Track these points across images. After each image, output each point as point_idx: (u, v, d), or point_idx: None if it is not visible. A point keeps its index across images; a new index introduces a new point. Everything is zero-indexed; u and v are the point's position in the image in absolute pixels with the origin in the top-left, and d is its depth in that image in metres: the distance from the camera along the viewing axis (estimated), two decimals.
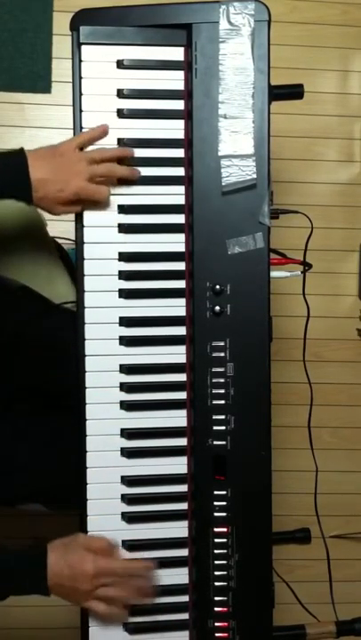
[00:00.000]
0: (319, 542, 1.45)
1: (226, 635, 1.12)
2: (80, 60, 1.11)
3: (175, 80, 1.13)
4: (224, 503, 1.12)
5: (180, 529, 1.14)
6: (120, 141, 1.11)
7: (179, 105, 1.13)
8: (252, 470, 1.12)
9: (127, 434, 1.12)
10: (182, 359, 1.13)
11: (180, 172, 1.13)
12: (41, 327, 1.25)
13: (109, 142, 1.11)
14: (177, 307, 1.13)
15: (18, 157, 1.07)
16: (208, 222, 1.11)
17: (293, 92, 1.20)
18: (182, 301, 1.13)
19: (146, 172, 1.12)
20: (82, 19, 1.11)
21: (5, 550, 1.07)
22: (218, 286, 1.11)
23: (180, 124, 1.13)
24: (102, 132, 1.10)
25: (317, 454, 1.40)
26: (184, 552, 1.13)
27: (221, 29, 1.10)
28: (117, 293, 1.12)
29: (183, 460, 1.13)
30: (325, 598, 1.42)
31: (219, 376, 1.11)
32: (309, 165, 1.88)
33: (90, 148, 1.11)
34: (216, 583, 1.12)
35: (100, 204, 1.10)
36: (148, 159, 1.12)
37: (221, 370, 1.11)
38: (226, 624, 1.12)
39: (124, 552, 1.12)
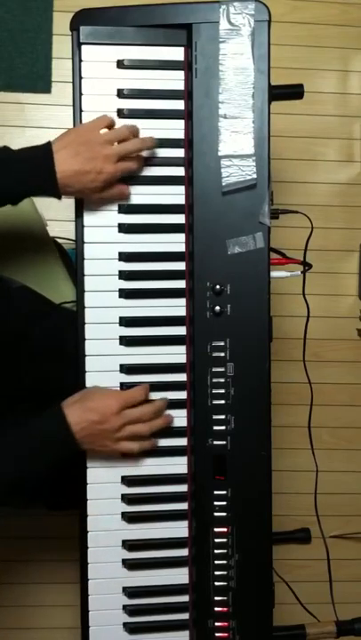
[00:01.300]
0: (319, 542, 1.45)
1: (226, 635, 1.12)
2: (80, 60, 1.11)
3: (175, 80, 1.13)
4: (224, 503, 1.12)
5: (180, 529, 1.14)
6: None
7: (179, 105, 1.13)
8: (252, 470, 1.12)
9: None
10: (182, 359, 1.13)
11: (180, 171, 1.13)
12: (41, 327, 1.25)
13: None
14: (177, 307, 1.13)
15: (44, 155, 1.05)
16: (208, 222, 1.11)
17: (293, 92, 1.20)
18: (182, 301, 1.13)
19: (146, 172, 1.12)
20: (82, 19, 1.11)
21: None
22: (218, 286, 1.11)
23: (180, 123, 1.13)
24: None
25: (317, 454, 1.40)
26: (184, 552, 1.13)
27: (221, 29, 1.10)
28: (117, 293, 1.12)
29: (183, 460, 1.13)
30: (325, 598, 1.42)
31: (219, 376, 1.11)
32: (309, 165, 1.89)
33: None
34: (216, 583, 1.12)
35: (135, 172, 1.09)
36: (148, 159, 1.12)
37: (221, 370, 1.11)
38: (226, 624, 1.12)
39: (124, 552, 1.12)
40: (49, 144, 1.07)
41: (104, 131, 1.08)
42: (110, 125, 1.09)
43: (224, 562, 1.12)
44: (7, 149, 1.08)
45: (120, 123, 1.11)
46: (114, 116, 1.11)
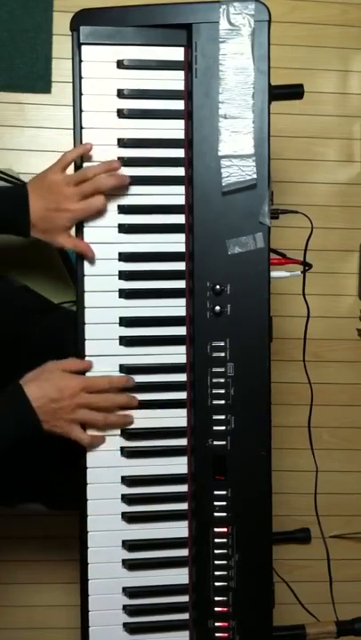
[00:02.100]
0: (319, 542, 1.45)
1: (226, 635, 1.12)
2: (80, 60, 1.11)
3: (175, 80, 1.13)
4: (224, 503, 1.12)
5: (180, 529, 1.14)
6: (120, 141, 1.11)
7: (179, 105, 1.13)
8: (252, 470, 1.12)
9: (127, 434, 1.12)
10: (182, 359, 1.13)
11: (180, 172, 1.13)
12: (41, 327, 1.25)
13: (110, 142, 1.11)
14: (177, 307, 1.13)
15: (21, 194, 1.10)
16: (208, 222, 1.11)
17: (293, 92, 1.20)
18: (182, 301, 1.13)
19: (146, 172, 1.12)
20: (82, 19, 1.11)
21: None
22: (218, 286, 1.11)
23: (180, 123, 1.13)
24: (85, 150, 1.11)
25: (317, 454, 1.40)
26: (184, 552, 1.13)
27: (221, 29, 1.10)
28: (117, 293, 1.12)
29: (183, 460, 1.13)
30: (325, 598, 1.42)
31: (219, 376, 1.11)
32: (309, 165, 1.88)
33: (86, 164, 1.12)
34: (216, 583, 1.12)
35: (102, 212, 1.11)
36: (148, 159, 1.12)
37: (221, 370, 1.11)
38: (226, 624, 1.12)
39: (124, 552, 1.12)
40: (25, 187, 1.11)
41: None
42: (69, 164, 1.11)
43: (224, 562, 1.12)
44: None
45: (120, 123, 1.11)
46: (114, 116, 1.11)
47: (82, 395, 1.08)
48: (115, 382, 1.11)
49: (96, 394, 1.09)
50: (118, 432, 1.12)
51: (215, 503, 1.12)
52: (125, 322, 1.12)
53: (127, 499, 1.12)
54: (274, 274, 1.14)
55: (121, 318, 1.12)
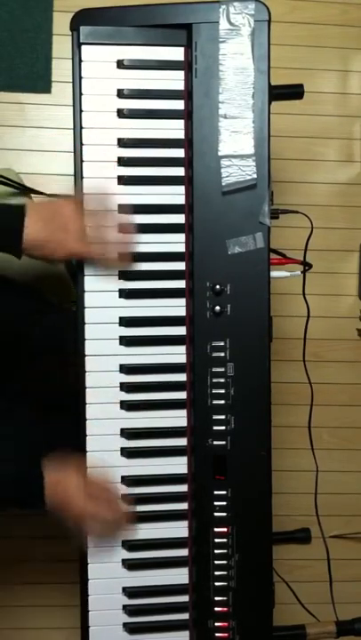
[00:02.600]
0: (319, 542, 1.45)
1: (226, 635, 1.12)
2: (80, 60, 1.11)
3: (175, 80, 1.13)
4: (224, 503, 1.12)
5: (180, 529, 1.14)
6: (120, 141, 1.11)
7: (179, 105, 1.13)
8: (252, 470, 1.12)
9: (127, 434, 1.12)
10: (182, 359, 1.13)
11: (180, 172, 1.13)
12: (41, 327, 1.25)
13: (110, 142, 1.11)
14: (177, 307, 1.13)
15: (15, 217, 1.06)
16: (208, 222, 1.11)
17: (293, 92, 1.20)
18: (182, 301, 1.13)
19: (146, 172, 1.12)
20: (82, 19, 1.11)
21: None
22: (218, 286, 1.11)
23: (180, 123, 1.13)
24: (104, 198, 1.10)
25: (317, 454, 1.40)
26: (184, 552, 1.13)
27: (221, 29, 1.10)
28: (117, 293, 1.12)
29: (183, 460, 1.13)
30: (325, 598, 1.42)
31: (219, 376, 1.11)
32: (309, 165, 1.88)
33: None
34: (216, 583, 1.12)
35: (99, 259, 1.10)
36: (148, 159, 1.12)
37: (221, 370, 1.11)
38: (226, 624, 1.12)
39: (124, 552, 1.12)
40: (23, 208, 1.07)
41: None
42: (87, 205, 1.09)
43: (224, 562, 1.12)
44: None
45: (120, 123, 1.11)
46: (114, 116, 1.11)
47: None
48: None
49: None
50: (118, 432, 1.12)
51: (215, 503, 1.12)
52: (125, 322, 1.12)
53: (127, 499, 1.12)
54: (274, 274, 1.14)
55: (121, 318, 1.12)
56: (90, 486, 1.08)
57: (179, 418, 1.13)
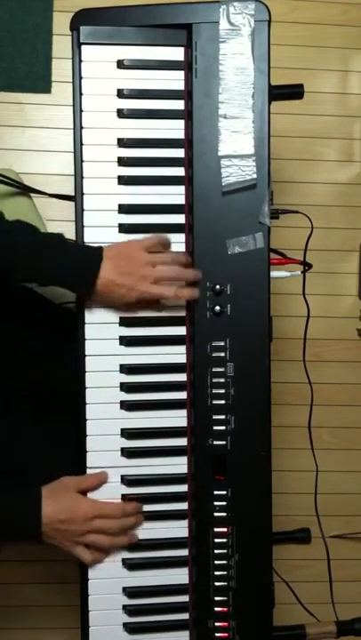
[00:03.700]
0: (319, 542, 1.45)
1: (226, 635, 1.12)
2: (80, 60, 1.11)
3: (175, 80, 1.13)
4: (224, 503, 1.12)
5: (180, 529, 1.14)
6: (120, 141, 1.11)
7: (179, 105, 1.13)
8: (252, 470, 1.12)
9: (127, 434, 1.12)
10: (182, 359, 1.13)
11: (180, 172, 1.13)
12: (41, 327, 1.25)
13: (109, 142, 1.11)
14: (177, 307, 1.13)
15: (94, 258, 1.07)
16: (208, 222, 1.11)
17: (293, 92, 1.20)
18: (182, 301, 1.13)
19: (146, 172, 1.12)
20: (82, 19, 1.11)
21: None
22: (218, 286, 1.11)
23: (180, 123, 1.13)
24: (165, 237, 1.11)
25: (317, 454, 1.40)
26: (184, 552, 1.13)
27: (221, 29, 1.10)
28: None
29: (183, 459, 1.13)
30: (325, 598, 1.42)
31: (219, 376, 1.11)
32: (309, 165, 1.88)
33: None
34: (216, 583, 1.12)
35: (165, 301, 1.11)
36: (148, 159, 1.12)
37: (221, 370, 1.11)
38: (226, 624, 1.12)
39: (124, 552, 1.12)
40: (101, 250, 1.08)
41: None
42: (154, 247, 1.10)
43: (224, 562, 1.12)
44: (62, 237, 1.10)
45: (120, 123, 1.11)
46: (114, 116, 1.11)
47: (93, 521, 1.08)
48: (127, 511, 1.10)
49: (107, 519, 1.09)
50: (118, 432, 1.12)
51: (215, 503, 1.12)
52: (125, 321, 1.12)
53: (127, 499, 1.12)
54: (274, 274, 1.14)
55: (121, 318, 1.12)
56: (90, 508, 1.08)
57: (179, 418, 1.13)
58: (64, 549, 1.09)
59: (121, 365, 1.12)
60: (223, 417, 1.11)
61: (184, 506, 1.13)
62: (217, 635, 1.12)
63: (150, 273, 1.08)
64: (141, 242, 1.10)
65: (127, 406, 1.12)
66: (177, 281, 1.10)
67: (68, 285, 1.10)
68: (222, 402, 1.11)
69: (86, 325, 1.12)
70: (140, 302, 1.09)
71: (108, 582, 1.13)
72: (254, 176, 1.10)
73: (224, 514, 1.12)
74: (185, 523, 1.13)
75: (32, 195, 1.62)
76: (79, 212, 1.12)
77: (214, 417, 1.11)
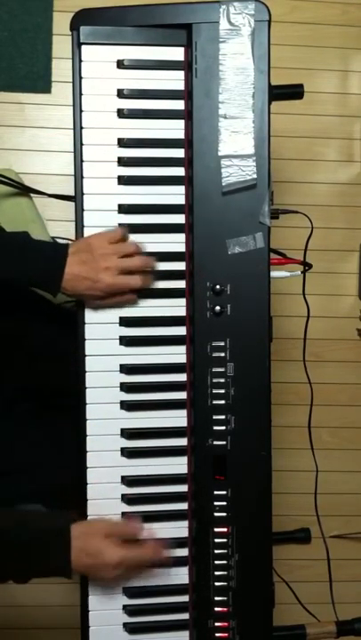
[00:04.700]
0: (319, 542, 1.45)
1: (226, 635, 1.12)
2: (80, 60, 1.11)
3: (175, 80, 1.12)
4: (224, 503, 1.12)
5: (180, 529, 1.14)
6: (120, 141, 1.11)
7: (179, 105, 1.13)
8: (252, 470, 1.12)
9: (127, 434, 1.12)
10: (182, 359, 1.13)
11: (180, 172, 1.13)
12: (41, 327, 1.25)
13: (109, 142, 1.11)
14: (177, 307, 1.13)
15: (59, 265, 1.07)
16: (208, 222, 1.11)
17: (293, 92, 1.20)
18: (182, 301, 1.13)
19: (146, 172, 1.12)
20: (82, 19, 1.11)
21: (29, 531, 1.06)
22: (218, 286, 1.11)
23: (180, 123, 1.13)
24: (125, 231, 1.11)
25: (317, 454, 1.40)
26: (184, 552, 1.13)
27: (221, 29, 1.10)
28: None
29: (183, 460, 1.13)
30: (325, 598, 1.42)
31: (219, 376, 1.11)
32: (309, 165, 1.89)
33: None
34: (216, 583, 1.12)
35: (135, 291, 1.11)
36: (148, 159, 1.12)
37: (221, 370, 1.11)
38: (226, 624, 1.12)
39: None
40: (66, 246, 1.09)
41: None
42: (123, 239, 1.10)
43: (224, 562, 1.12)
44: (27, 236, 1.11)
45: (120, 123, 1.11)
46: (114, 116, 1.11)
47: (118, 568, 1.06)
48: (151, 559, 1.09)
49: (132, 565, 1.08)
50: (118, 432, 1.12)
51: (215, 503, 1.12)
52: (125, 321, 1.12)
53: (127, 499, 1.12)
54: (274, 274, 1.14)
55: (121, 318, 1.12)
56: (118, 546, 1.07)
57: (179, 418, 1.13)
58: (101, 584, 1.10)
59: (121, 365, 1.12)
60: (223, 417, 1.11)
61: (184, 506, 1.13)
62: (217, 635, 1.12)
63: (114, 264, 1.08)
64: (103, 234, 1.10)
65: (127, 406, 1.12)
66: (140, 269, 1.10)
67: (35, 284, 1.11)
68: (222, 402, 1.11)
69: (86, 325, 1.12)
70: (110, 295, 1.09)
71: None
72: (254, 176, 1.10)
73: (224, 514, 1.12)
74: (185, 523, 1.13)
75: (32, 195, 1.62)
76: (79, 212, 1.12)
77: (214, 417, 1.11)
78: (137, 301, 1.12)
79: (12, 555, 1.04)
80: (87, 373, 1.12)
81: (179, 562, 1.13)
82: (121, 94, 1.11)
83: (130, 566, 1.08)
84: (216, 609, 1.12)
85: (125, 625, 1.13)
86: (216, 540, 1.12)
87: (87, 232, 1.11)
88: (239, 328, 1.11)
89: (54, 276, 1.07)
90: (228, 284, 1.11)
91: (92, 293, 1.09)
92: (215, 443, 1.11)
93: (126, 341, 1.12)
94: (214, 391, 1.11)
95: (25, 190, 1.61)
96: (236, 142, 1.10)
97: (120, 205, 1.12)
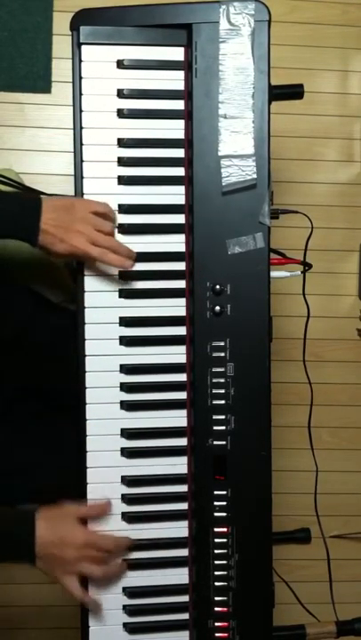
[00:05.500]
0: (319, 542, 1.45)
1: (226, 635, 1.12)
2: (80, 60, 1.11)
3: (175, 80, 1.13)
4: (224, 503, 1.12)
5: (180, 529, 1.14)
6: (120, 141, 1.11)
7: (179, 105, 1.13)
8: (252, 470, 1.12)
9: (127, 434, 1.12)
10: (182, 359, 1.13)
11: (180, 172, 1.13)
12: (41, 327, 1.25)
13: (109, 142, 1.12)
14: (177, 307, 1.13)
15: (34, 205, 1.07)
16: (208, 222, 1.11)
17: (293, 92, 1.20)
18: (182, 301, 1.13)
19: (146, 172, 1.12)
20: (82, 19, 1.11)
21: None
22: (218, 286, 1.11)
23: (180, 124, 1.13)
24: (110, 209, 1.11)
25: (317, 454, 1.40)
26: (184, 552, 1.13)
27: (221, 29, 1.10)
28: (117, 293, 1.12)
29: (183, 459, 1.13)
30: (325, 598, 1.42)
31: (219, 376, 1.11)
32: (309, 165, 1.88)
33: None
34: (216, 583, 1.12)
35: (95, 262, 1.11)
36: (148, 159, 1.12)
37: (221, 370, 1.11)
38: (226, 624, 1.12)
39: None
40: (40, 199, 1.08)
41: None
42: (101, 213, 1.09)
43: (224, 562, 1.12)
44: None
45: (120, 123, 1.11)
46: (114, 116, 1.11)
47: (86, 550, 1.07)
48: (120, 545, 1.10)
49: (99, 551, 1.08)
50: (118, 432, 1.12)
51: (215, 503, 1.12)
52: (125, 322, 1.12)
53: (127, 499, 1.12)
54: (274, 274, 1.14)
55: (121, 318, 1.12)
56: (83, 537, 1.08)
57: (179, 418, 1.13)
58: (55, 578, 1.08)
59: (121, 365, 1.12)
60: (223, 417, 1.11)
61: (184, 506, 1.13)
62: (217, 635, 1.12)
63: (88, 232, 1.07)
64: (90, 203, 1.10)
65: (127, 406, 1.12)
66: (109, 249, 1.09)
67: (12, 236, 1.09)
68: (222, 402, 1.11)
69: (86, 325, 1.12)
70: (69, 254, 1.09)
71: (108, 582, 1.13)
72: (254, 176, 1.10)
73: (224, 514, 1.12)
74: (185, 523, 1.13)
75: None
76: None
77: (214, 417, 1.11)
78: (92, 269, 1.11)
79: None
80: (87, 373, 1.12)
81: (179, 562, 1.13)
82: (121, 94, 1.11)
83: (96, 551, 1.07)
84: (216, 609, 1.12)
85: (125, 625, 1.13)
86: (216, 540, 1.12)
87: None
88: (239, 328, 1.11)
89: (30, 230, 1.06)
90: (228, 283, 1.11)
91: (54, 250, 1.08)
92: (215, 443, 1.11)
93: (126, 341, 1.12)
94: (214, 391, 1.11)
95: (25, 190, 1.60)
96: (236, 142, 1.10)
97: (120, 205, 1.12)
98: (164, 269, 1.13)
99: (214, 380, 1.11)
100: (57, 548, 1.05)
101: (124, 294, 1.12)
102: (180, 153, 1.13)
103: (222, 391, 1.11)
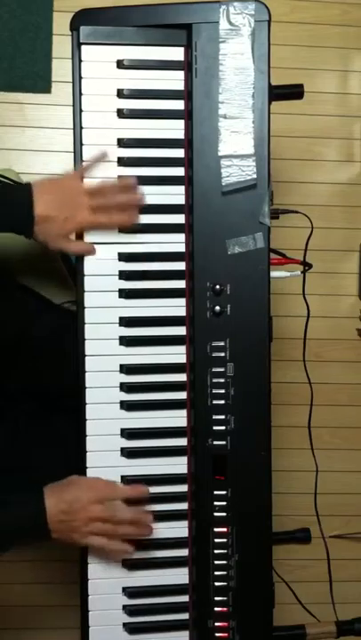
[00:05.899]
0: (319, 542, 1.45)
1: (226, 635, 1.12)
2: (80, 60, 1.11)
3: (175, 80, 1.13)
4: (224, 503, 1.12)
5: (180, 529, 1.14)
6: (120, 141, 1.11)
7: (179, 105, 1.13)
8: (252, 470, 1.12)
9: (127, 434, 1.12)
10: (182, 359, 1.13)
11: (180, 172, 1.13)
12: (41, 327, 1.25)
13: (110, 142, 1.11)
14: (177, 307, 1.13)
15: (24, 193, 1.06)
16: (208, 222, 1.11)
17: (293, 92, 1.20)
18: (182, 301, 1.13)
19: (146, 172, 1.12)
20: (82, 19, 1.11)
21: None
22: (218, 286, 1.11)
23: (180, 124, 1.13)
24: (101, 155, 1.10)
25: (317, 454, 1.40)
26: (184, 552, 1.13)
27: (221, 29, 1.10)
28: (117, 293, 1.12)
29: (183, 460, 1.13)
30: (325, 598, 1.42)
31: (219, 376, 1.11)
32: (309, 165, 1.88)
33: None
34: (216, 583, 1.12)
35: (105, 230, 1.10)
36: (148, 159, 1.12)
37: (221, 370, 1.11)
38: (226, 624, 1.12)
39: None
40: (29, 186, 1.07)
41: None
42: (87, 173, 1.09)
43: (224, 562, 1.12)
44: None
45: (120, 123, 1.11)
46: (114, 116, 1.11)
47: (92, 508, 1.06)
48: (127, 493, 1.10)
49: (110, 506, 1.08)
50: (118, 432, 1.12)
51: (215, 503, 1.12)
52: (125, 322, 1.12)
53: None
54: (274, 274, 1.14)
55: (121, 318, 1.12)
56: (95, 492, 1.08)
57: (179, 418, 1.13)
58: (75, 544, 1.08)
59: (121, 365, 1.12)
60: (223, 417, 1.11)
61: (184, 506, 1.13)
62: (217, 635, 1.12)
63: (86, 202, 1.07)
64: (74, 172, 1.09)
65: (127, 406, 1.12)
66: (119, 205, 1.09)
67: (6, 229, 1.08)
68: (222, 402, 1.11)
69: (86, 325, 1.12)
70: (82, 228, 1.09)
71: (108, 582, 1.13)
72: (254, 176, 1.10)
73: (224, 514, 1.12)
74: (185, 523, 1.13)
75: None
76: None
77: (214, 417, 1.11)
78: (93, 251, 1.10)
79: None
80: (87, 373, 1.12)
81: (179, 562, 1.13)
82: (121, 94, 1.11)
83: (104, 506, 1.07)
84: (216, 609, 1.12)
85: (125, 625, 1.13)
86: (216, 540, 1.12)
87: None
88: (239, 328, 1.11)
89: (26, 215, 1.05)
90: (228, 284, 1.11)
91: (58, 232, 1.07)
92: (215, 443, 1.11)
93: (126, 341, 1.12)
94: (214, 391, 1.11)
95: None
96: (236, 142, 1.10)
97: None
98: (163, 269, 1.13)
99: (214, 380, 1.11)
100: (66, 514, 1.05)
101: (124, 294, 1.12)
102: (180, 153, 1.13)
103: (222, 391, 1.11)
